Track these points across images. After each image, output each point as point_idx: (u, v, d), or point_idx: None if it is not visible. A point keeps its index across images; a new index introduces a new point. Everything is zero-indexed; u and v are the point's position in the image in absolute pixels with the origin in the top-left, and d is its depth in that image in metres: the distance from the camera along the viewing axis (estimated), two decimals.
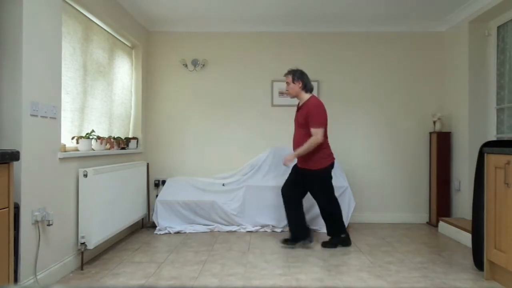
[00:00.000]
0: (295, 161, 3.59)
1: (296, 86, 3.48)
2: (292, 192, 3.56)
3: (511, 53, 3.73)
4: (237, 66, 4.69)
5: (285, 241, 3.53)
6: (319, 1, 3.97)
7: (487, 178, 2.73)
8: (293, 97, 3.57)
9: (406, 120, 4.68)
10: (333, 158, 3.50)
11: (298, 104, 3.58)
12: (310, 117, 3.35)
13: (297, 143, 3.47)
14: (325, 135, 3.44)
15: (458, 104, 4.31)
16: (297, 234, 3.51)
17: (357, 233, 4.10)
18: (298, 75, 3.47)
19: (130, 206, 3.77)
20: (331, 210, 3.50)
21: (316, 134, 3.32)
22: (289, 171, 4.44)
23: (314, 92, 4.61)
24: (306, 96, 3.49)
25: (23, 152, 2.31)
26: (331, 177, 3.50)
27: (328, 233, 3.58)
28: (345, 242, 3.54)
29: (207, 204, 4.12)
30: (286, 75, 3.54)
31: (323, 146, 3.42)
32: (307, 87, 3.50)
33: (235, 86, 4.69)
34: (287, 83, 3.52)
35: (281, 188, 3.65)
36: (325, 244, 3.52)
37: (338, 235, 3.53)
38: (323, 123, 3.38)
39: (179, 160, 4.69)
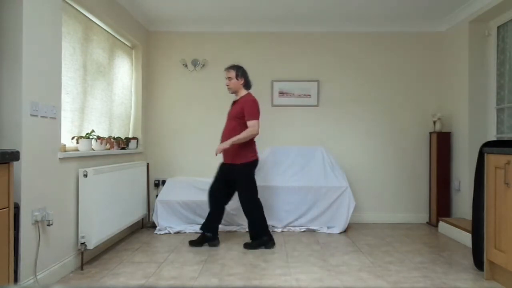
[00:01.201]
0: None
1: (238, 83, 3.56)
2: (217, 190, 3.59)
3: (511, 53, 3.73)
4: None
5: (191, 243, 3.55)
6: (319, 1, 3.97)
7: (487, 178, 2.73)
8: (232, 92, 3.62)
9: (406, 120, 4.68)
10: (257, 157, 3.55)
11: (235, 99, 3.63)
12: (246, 110, 3.42)
13: (226, 135, 3.51)
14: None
15: (458, 104, 4.31)
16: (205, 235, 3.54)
17: (357, 233, 4.10)
18: (241, 72, 3.56)
19: (130, 206, 3.77)
20: (250, 208, 3.49)
21: (253, 126, 3.40)
22: (289, 171, 4.46)
23: (314, 92, 4.64)
24: (244, 92, 3.58)
25: (23, 152, 2.31)
26: (253, 175, 3.52)
27: (250, 235, 3.53)
28: (267, 244, 3.47)
29: (207, 204, 4.11)
30: (228, 69, 3.58)
31: (251, 142, 3.50)
32: (248, 85, 3.60)
33: None
34: (230, 77, 3.56)
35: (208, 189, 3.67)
36: (246, 245, 3.48)
37: (260, 237, 3.48)
38: (258, 117, 3.45)
39: (179, 160, 4.69)
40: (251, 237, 3.52)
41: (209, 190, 3.63)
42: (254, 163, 3.53)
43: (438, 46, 4.67)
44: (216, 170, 3.68)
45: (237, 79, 3.55)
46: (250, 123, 3.41)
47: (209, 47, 4.70)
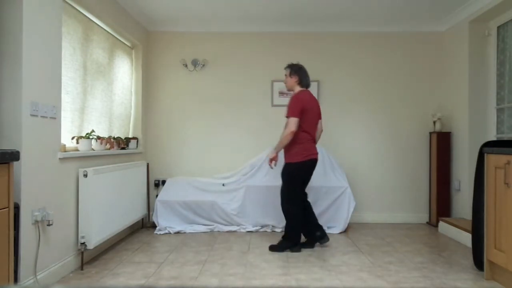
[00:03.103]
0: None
1: (292, 80, 3.53)
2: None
3: (511, 53, 3.73)
4: (237, 66, 4.69)
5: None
6: (319, 1, 3.97)
7: (487, 178, 2.73)
8: (288, 90, 3.63)
9: (406, 120, 4.68)
10: (310, 157, 3.38)
11: None
12: (287, 107, 3.40)
13: (282, 134, 3.50)
14: (304, 130, 3.38)
15: (458, 104, 4.31)
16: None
17: (357, 233, 4.10)
18: (295, 70, 3.53)
19: (130, 206, 3.77)
20: (288, 209, 3.42)
21: (288, 123, 3.34)
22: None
23: (314, 92, 4.63)
24: (297, 89, 3.53)
25: (23, 152, 2.31)
26: (300, 176, 3.42)
27: (284, 233, 3.49)
28: (294, 248, 3.39)
29: (207, 204, 4.12)
30: (285, 68, 3.60)
31: (300, 141, 3.37)
32: (302, 83, 3.53)
33: (235, 86, 4.69)
34: (286, 75, 3.58)
35: None
36: (272, 247, 3.43)
37: (290, 240, 3.41)
38: (294, 113, 3.32)
39: (179, 160, 4.69)
40: (283, 235, 3.49)
41: None
42: (300, 164, 3.37)
43: (438, 46, 4.67)
44: None
45: (290, 77, 3.52)
46: (287, 120, 3.36)
47: (209, 47, 4.70)
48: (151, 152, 4.69)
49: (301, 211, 3.44)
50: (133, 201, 3.88)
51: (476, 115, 4.09)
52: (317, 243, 3.54)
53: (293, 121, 3.31)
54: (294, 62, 3.63)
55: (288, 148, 3.40)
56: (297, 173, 3.41)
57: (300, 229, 3.46)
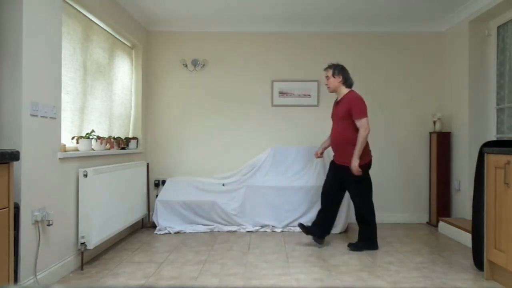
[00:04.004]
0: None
1: (336, 81, 3.47)
2: (328, 189, 3.53)
3: (511, 53, 3.73)
4: (237, 66, 4.69)
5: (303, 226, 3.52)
6: (319, 1, 3.97)
7: (487, 178, 2.73)
8: (332, 91, 3.54)
9: (406, 120, 4.68)
10: (371, 158, 3.45)
11: (336, 99, 3.56)
12: (353, 109, 3.31)
13: (338, 136, 3.44)
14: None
15: (458, 104, 4.31)
16: (312, 228, 3.51)
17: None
18: (339, 70, 3.47)
19: (130, 206, 3.77)
20: (364, 212, 3.41)
21: (363, 125, 3.29)
22: (290, 171, 4.46)
23: (314, 92, 4.64)
24: (345, 90, 3.47)
25: (23, 152, 2.31)
26: (369, 177, 3.44)
27: (359, 235, 3.48)
28: (372, 246, 3.44)
29: (207, 204, 4.12)
30: (326, 69, 3.53)
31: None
32: (347, 82, 3.49)
33: (235, 86, 4.69)
34: (327, 77, 3.50)
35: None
36: (351, 246, 3.43)
37: (367, 240, 3.43)
38: (366, 114, 3.33)
39: (179, 160, 4.69)
40: (359, 238, 3.47)
41: (322, 190, 3.57)
42: (369, 164, 3.41)
43: (438, 46, 4.67)
44: (328, 170, 3.61)
45: (334, 77, 3.46)
46: (359, 122, 3.29)
47: (209, 47, 4.70)
48: (151, 152, 4.69)
49: (374, 213, 3.45)
50: (133, 201, 3.88)
51: (476, 115, 4.09)
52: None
53: (367, 121, 3.31)
54: (334, 62, 3.57)
55: (349, 150, 3.33)
56: (365, 174, 3.39)
57: (376, 230, 3.47)
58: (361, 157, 3.31)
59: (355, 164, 3.27)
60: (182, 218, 4.13)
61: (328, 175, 3.60)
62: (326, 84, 3.55)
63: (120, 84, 4.09)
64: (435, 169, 4.42)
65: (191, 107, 4.69)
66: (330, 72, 3.48)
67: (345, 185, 3.47)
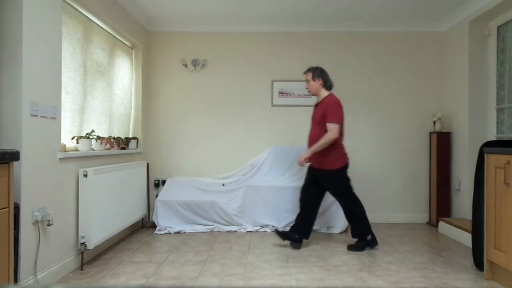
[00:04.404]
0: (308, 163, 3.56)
1: (316, 84, 3.47)
2: (306, 192, 3.53)
3: (511, 53, 3.73)
4: (237, 66, 4.70)
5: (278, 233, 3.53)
6: (319, 1, 3.97)
7: (487, 178, 2.73)
8: (313, 94, 3.55)
9: (406, 120, 4.68)
10: (348, 159, 3.46)
11: (317, 101, 3.56)
12: (327, 113, 3.32)
13: (312, 140, 3.44)
14: (341, 134, 3.41)
15: (458, 104, 4.31)
16: (289, 233, 3.51)
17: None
18: (318, 73, 3.47)
19: (130, 206, 3.77)
20: (353, 210, 3.43)
21: (332, 130, 3.29)
22: (290, 171, 4.46)
23: None
24: (325, 93, 3.48)
25: (23, 152, 2.31)
26: (348, 178, 3.45)
27: (353, 235, 3.48)
28: (372, 243, 3.45)
29: (207, 204, 4.12)
30: (305, 72, 3.53)
31: (338, 145, 3.39)
32: (327, 85, 3.49)
33: (235, 86, 4.69)
34: (307, 80, 3.51)
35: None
36: (350, 248, 3.44)
37: (364, 237, 3.44)
38: (339, 119, 3.33)
39: (179, 160, 4.69)
40: (354, 238, 3.48)
41: (300, 195, 3.57)
42: (345, 168, 3.42)
43: (438, 46, 4.67)
44: (306, 174, 3.61)
45: (314, 80, 3.46)
46: (329, 126, 3.30)
47: (209, 47, 4.70)
48: (151, 152, 4.69)
49: (363, 208, 3.46)
50: (133, 201, 3.88)
51: (476, 115, 4.09)
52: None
53: (338, 128, 3.31)
54: (313, 65, 3.58)
55: (327, 154, 3.36)
56: (345, 175, 3.42)
57: (369, 225, 3.47)
58: (335, 161, 3.34)
59: (304, 156, 3.34)
60: (182, 218, 4.14)
61: (306, 179, 3.59)
62: (307, 88, 3.56)
63: (120, 84, 4.09)
64: (435, 169, 4.42)
65: (191, 107, 4.69)
66: (309, 75, 3.49)
67: (325, 187, 3.49)
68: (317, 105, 3.51)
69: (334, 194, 3.48)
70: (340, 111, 3.36)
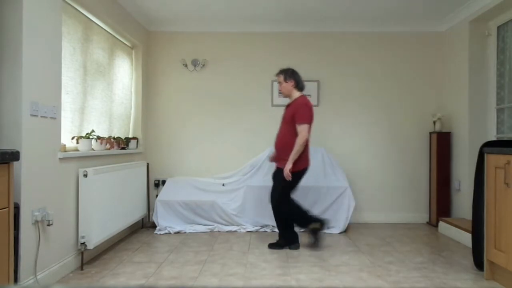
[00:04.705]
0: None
1: (288, 85, 3.47)
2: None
3: (511, 53, 3.73)
4: (237, 66, 4.70)
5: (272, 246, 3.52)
6: (319, 1, 3.97)
7: (487, 178, 2.73)
8: (285, 96, 3.54)
9: (406, 120, 4.68)
10: (308, 164, 3.43)
11: (289, 102, 3.55)
12: (296, 114, 3.32)
13: (279, 140, 3.44)
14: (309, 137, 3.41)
15: (458, 104, 4.31)
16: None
17: (357, 233, 4.10)
18: (289, 74, 3.46)
19: (130, 206, 3.77)
20: (281, 209, 3.43)
21: (302, 131, 3.29)
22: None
23: (314, 92, 4.64)
24: (297, 94, 3.47)
25: (23, 152, 2.31)
26: (298, 182, 3.41)
27: (279, 234, 3.52)
28: (292, 245, 3.45)
29: (207, 204, 4.12)
30: (277, 74, 3.52)
31: (305, 148, 3.37)
32: (299, 86, 3.49)
33: (235, 86, 4.69)
34: (279, 82, 3.51)
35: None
36: (271, 245, 3.48)
37: (287, 236, 3.45)
38: (308, 120, 3.33)
39: (179, 160, 4.69)
40: (279, 236, 3.51)
41: (270, 200, 3.51)
42: (303, 171, 3.40)
43: (438, 46, 4.67)
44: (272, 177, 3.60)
45: (286, 82, 3.46)
46: (299, 127, 3.29)
47: (209, 47, 4.70)
48: (151, 152, 4.69)
49: (294, 208, 3.44)
50: (133, 201, 3.88)
51: (476, 115, 4.09)
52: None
53: (307, 128, 3.31)
54: (284, 67, 3.56)
55: (285, 155, 3.35)
56: (298, 179, 3.40)
57: (294, 227, 3.50)
58: (295, 163, 3.31)
59: (287, 168, 3.28)
60: (182, 218, 4.14)
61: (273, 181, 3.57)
62: (279, 90, 3.55)
63: (120, 84, 4.09)
64: (435, 169, 4.42)
65: (191, 107, 4.69)
66: (281, 77, 3.48)
67: (274, 177, 3.48)
68: (288, 106, 3.51)
69: (275, 187, 3.45)
70: (309, 113, 3.34)
